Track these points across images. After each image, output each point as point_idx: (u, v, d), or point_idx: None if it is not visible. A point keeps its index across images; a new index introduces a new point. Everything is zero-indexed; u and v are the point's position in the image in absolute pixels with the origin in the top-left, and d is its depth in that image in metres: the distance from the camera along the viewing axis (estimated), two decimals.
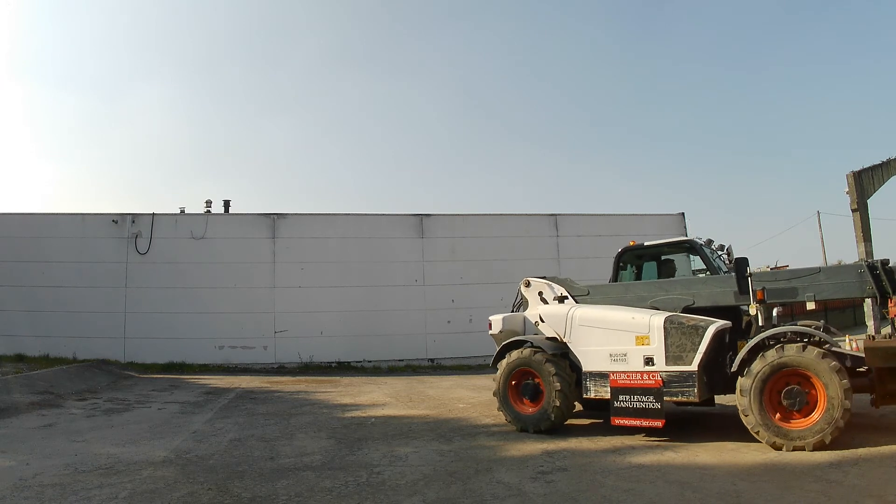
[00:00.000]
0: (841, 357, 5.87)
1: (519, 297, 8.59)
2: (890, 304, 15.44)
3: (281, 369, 16.05)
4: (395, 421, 8.22)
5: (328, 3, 74.33)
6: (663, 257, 8.23)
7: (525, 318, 8.26)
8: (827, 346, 5.89)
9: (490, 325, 8.51)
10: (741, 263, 6.75)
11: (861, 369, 6.02)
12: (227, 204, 20.25)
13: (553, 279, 8.29)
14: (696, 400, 6.44)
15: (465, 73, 76.14)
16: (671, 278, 7.83)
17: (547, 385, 7.16)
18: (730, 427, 7.12)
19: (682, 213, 19.50)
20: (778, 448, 5.80)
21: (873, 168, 15.42)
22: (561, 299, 7.93)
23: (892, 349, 5.77)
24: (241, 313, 16.46)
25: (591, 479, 5.17)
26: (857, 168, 15.41)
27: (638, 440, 6.61)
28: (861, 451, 5.72)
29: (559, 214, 18.85)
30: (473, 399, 10.22)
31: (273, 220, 17.30)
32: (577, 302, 7.82)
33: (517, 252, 17.90)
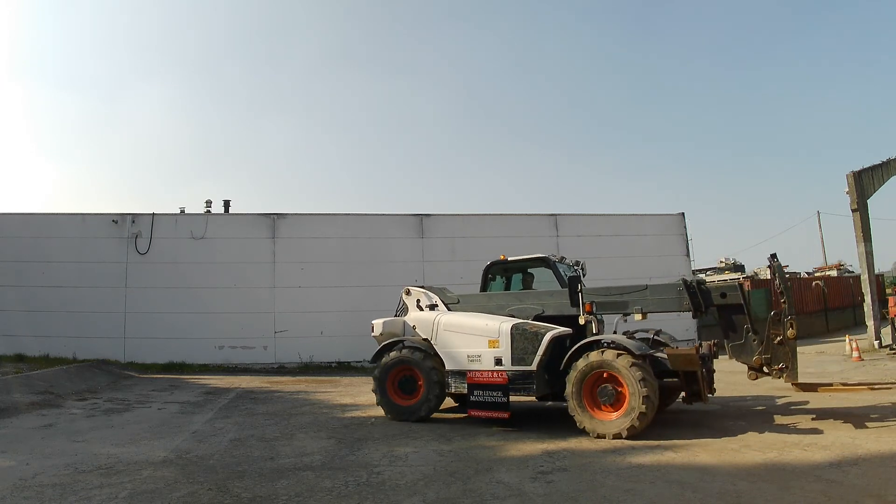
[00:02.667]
0: (652, 362, 7.04)
1: (401, 303, 9.41)
2: (890, 304, 15.62)
3: (281, 369, 16.06)
4: (395, 421, 8.22)
5: (328, 3, 74.32)
6: (529, 269, 9.19)
7: (405, 322, 9.08)
8: (629, 351, 6.83)
9: (373, 327, 9.21)
10: (572, 281, 7.83)
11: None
12: (227, 204, 20.29)
13: (430, 288, 9.20)
14: (536, 395, 7.58)
15: (465, 73, 76.18)
16: (526, 290, 8.92)
17: (426, 379, 8.10)
18: (730, 427, 7.14)
19: (682, 213, 19.52)
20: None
21: (873, 168, 15.39)
22: (433, 306, 8.81)
23: (687, 356, 7.02)
24: (241, 313, 16.45)
25: (591, 479, 5.17)
26: (857, 168, 15.37)
27: (638, 440, 6.61)
28: (861, 451, 5.73)
29: (559, 214, 18.82)
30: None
31: (273, 220, 17.30)
32: (448, 309, 8.72)
33: (517, 252, 17.79)
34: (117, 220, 16.66)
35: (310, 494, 4.84)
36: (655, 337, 7.96)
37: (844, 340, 14.57)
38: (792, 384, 7.55)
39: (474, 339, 7.85)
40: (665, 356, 7.20)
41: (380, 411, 8.57)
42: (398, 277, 17.22)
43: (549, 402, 8.03)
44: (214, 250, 16.78)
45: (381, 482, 5.17)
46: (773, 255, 7.65)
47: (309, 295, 16.75)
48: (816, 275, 34.59)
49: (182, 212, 18.19)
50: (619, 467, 5.53)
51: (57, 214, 17.07)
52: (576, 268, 8.91)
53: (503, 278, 9.39)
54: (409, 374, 8.29)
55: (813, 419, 7.49)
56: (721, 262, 48.96)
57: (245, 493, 4.87)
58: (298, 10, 73.71)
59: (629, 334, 7.84)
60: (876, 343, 14.51)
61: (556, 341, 7.44)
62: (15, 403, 9.05)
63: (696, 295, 7.48)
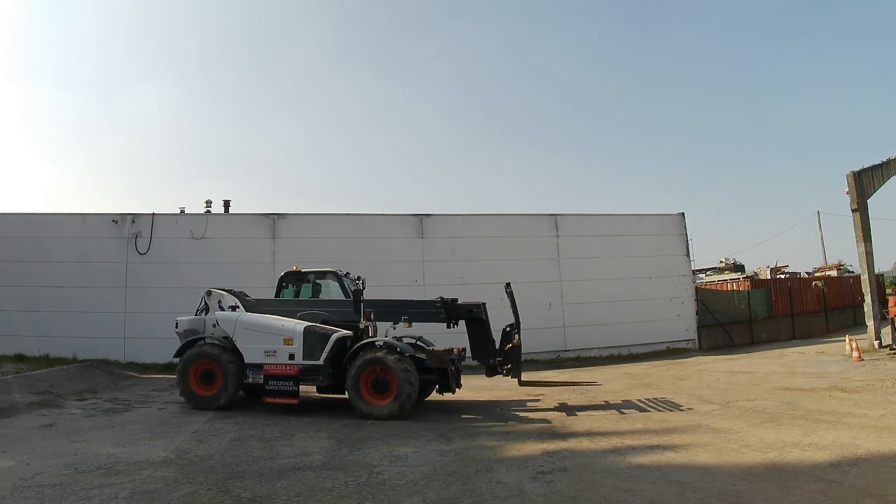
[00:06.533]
0: (415, 360, 8.63)
1: (203, 303, 10.29)
2: (890, 304, 15.66)
3: None
4: (395, 421, 8.22)
5: (328, 3, 74.34)
6: (317, 280, 10.37)
7: (206, 321, 10.04)
8: (396, 350, 8.53)
9: (177, 324, 10.12)
10: (356, 293, 9.36)
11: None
12: (227, 204, 20.27)
13: (230, 291, 10.21)
14: (323, 385, 8.91)
15: (465, 73, 76.21)
16: (317, 298, 10.14)
17: (224, 372, 9.11)
18: (730, 427, 7.13)
19: (682, 213, 19.53)
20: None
21: (873, 168, 15.40)
22: (234, 307, 9.83)
23: (439, 355, 8.82)
24: None
25: (591, 479, 5.17)
26: (857, 168, 15.38)
27: (638, 440, 6.61)
28: (861, 451, 5.73)
29: (559, 214, 18.81)
30: (473, 399, 10.23)
31: (273, 220, 17.29)
32: (247, 311, 9.74)
33: (517, 252, 17.88)
34: (117, 220, 16.64)
35: (310, 494, 4.84)
36: (418, 342, 9.63)
37: (844, 340, 14.57)
38: (518, 382, 9.41)
39: (272, 337, 9.06)
40: (424, 356, 8.87)
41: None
42: (398, 277, 17.25)
43: (330, 395, 9.39)
44: (214, 250, 16.75)
45: (381, 482, 5.18)
46: (508, 284, 9.65)
47: None
48: (816, 275, 34.60)
49: (182, 212, 18.17)
50: (619, 467, 5.53)
51: (57, 214, 17.03)
52: (357, 282, 10.16)
53: (295, 286, 10.47)
54: (209, 367, 9.24)
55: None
56: (721, 262, 48.91)
57: (245, 493, 4.87)
58: (298, 10, 73.78)
59: (397, 339, 9.26)
60: (876, 343, 14.51)
61: (340, 341, 8.94)
62: (15, 403, 9.05)
63: (450, 310, 9.40)
